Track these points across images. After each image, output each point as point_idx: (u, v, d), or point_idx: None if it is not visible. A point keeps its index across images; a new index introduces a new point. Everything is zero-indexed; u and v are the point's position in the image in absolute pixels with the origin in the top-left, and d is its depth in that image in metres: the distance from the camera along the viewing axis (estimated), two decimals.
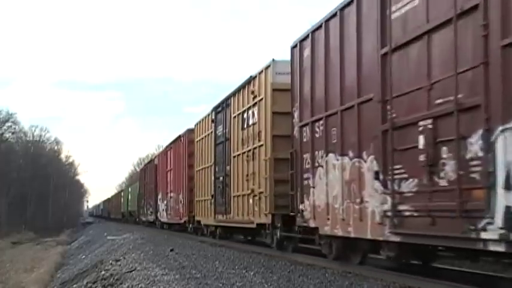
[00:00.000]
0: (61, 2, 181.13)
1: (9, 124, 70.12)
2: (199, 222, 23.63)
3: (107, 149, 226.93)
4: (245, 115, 16.63)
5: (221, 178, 19.17)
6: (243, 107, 16.88)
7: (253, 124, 15.85)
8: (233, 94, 17.97)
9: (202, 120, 22.74)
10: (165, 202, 32.45)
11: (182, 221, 27.19)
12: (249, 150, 16.13)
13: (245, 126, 16.60)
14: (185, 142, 26.52)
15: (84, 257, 26.60)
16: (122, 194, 67.93)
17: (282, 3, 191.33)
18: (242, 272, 11.15)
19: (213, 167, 20.54)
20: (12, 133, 72.13)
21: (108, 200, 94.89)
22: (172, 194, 30.01)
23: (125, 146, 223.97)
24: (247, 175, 16.22)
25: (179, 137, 28.18)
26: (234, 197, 17.64)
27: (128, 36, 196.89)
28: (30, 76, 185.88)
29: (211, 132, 20.92)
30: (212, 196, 20.46)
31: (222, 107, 19.36)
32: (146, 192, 42.37)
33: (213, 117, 20.57)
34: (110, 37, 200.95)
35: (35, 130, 79.94)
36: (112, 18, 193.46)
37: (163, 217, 33.60)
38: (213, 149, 20.62)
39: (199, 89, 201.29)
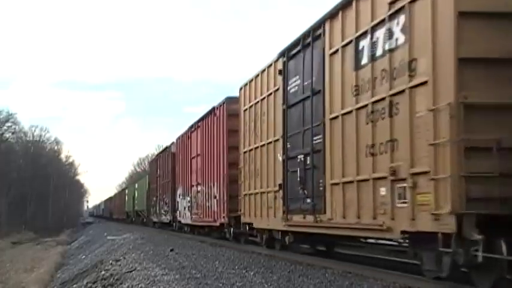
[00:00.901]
0: (61, 2, 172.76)
1: (9, 124, 64.72)
2: (249, 225, 15.11)
3: (107, 149, 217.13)
4: (362, 43, 8.47)
5: (301, 157, 11.03)
6: (357, 30, 8.67)
7: (391, 51, 7.70)
8: (331, 15, 9.54)
9: (258, 76, 13.88)
10: (189, 199, 22.92)
11: (217, 224, 18.22)
12: (379, 101, 8.04)
13: (364, 62, 8.47)
14: (223, 116, 17.63)
15: (84, 257, 24.54)
16: (127, 191, 56.27)
17: (282, 3, 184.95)
18: (242, 272, 10.24)
19: (280, 142, 12.15)
20: (12, 133, 66.75)
21: (110, 198, 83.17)
22: (200, 188, 20.72)
23: (125, 146, 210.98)
24: (373, 145, 8.13)
25: (212, 110, 18.90)
26: (333, 185, 9.54)
27: (128, 36, 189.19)
28: (31, 76, 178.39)
29: (277, 90, 12.41)
30: (280, 187, 12.16)
31: (303, 45, 10.88)
32: (159, 188, 32.19)
33: (282, 67, 11.99)
34: (110, 37, 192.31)
35: (35, 130, 74.39)
36: (112, 18, 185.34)
37: (186, 218, 23.83)
38: (280, 115, 12.17)
39: (199, 89, 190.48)
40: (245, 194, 14.88)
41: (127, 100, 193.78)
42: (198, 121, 21.19)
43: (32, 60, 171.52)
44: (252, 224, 14.55)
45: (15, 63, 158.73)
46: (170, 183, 27.83)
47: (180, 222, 25.70)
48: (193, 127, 22.18)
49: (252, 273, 10.09)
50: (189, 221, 23.32)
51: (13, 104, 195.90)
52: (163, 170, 30.89)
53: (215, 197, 18.26)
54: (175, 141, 26.79)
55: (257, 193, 13.91)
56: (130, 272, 12.13)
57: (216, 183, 18.35)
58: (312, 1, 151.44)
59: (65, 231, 61.80)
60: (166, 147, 30.39)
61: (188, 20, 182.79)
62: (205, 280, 9.58)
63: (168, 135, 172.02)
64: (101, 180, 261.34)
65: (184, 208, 23.99)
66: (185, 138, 24.01)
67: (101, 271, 14.46)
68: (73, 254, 30.31)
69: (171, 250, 15.58)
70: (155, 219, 34.21)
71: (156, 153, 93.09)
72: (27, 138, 71.79)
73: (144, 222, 40.89)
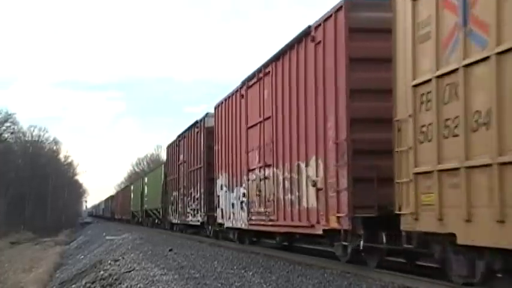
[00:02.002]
0: (61, 2, 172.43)
1: (8, 124, 64.05)
2: (428, 238, 7.67)
3: (106, 149, 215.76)
4: None
5: None
6: None
7: None
8: None
9: None
10: (243, 191, 15.07)
11: (319, 231, 10.56)
12: None
13: None
14: (336, 34, 9.77)
15: (82, 257, 24.24)
16: (132, 187, 48.45)
17: (282, 3, 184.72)
18: (241, 272, 10.19)
19: None
20: (11, 133, 66.07)
21: (112, 197, 76.97)
22: (269, 172, 12.95)
23: (125, 146, 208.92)
24: None
25: (306, 32, 10.97)
26: None
27: (128, 36, 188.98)
28: (31, 76, 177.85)
29: None
30: None
31: None
32: (182, 179, 23.94)
33: None
34: (111, 37, 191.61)
35: (33, 130, 73.74)
36: (113, 18, 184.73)
37: (236, 219, 15.84)
38: None
39: (199, 89, 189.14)
40: (420, 173, 7.56)
41: (127, 100, 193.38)
42: (266, 64, 13.14)
43: (32, 60, 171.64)
44: (454, 235, 6.89)
45: (16, 64, 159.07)
46: (203, 170, 20.08)
47: (220, 225, 17.84)
48: (255, 77, 14.03)
49: (250, 273, 10.00)
50: (241, 225, 15.36)
51: (13, 104, 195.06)
52: (190, 154, 22.38)
53: (314, 185, 10.45)
54: (213, 110, 18.46)
55: (485, 166, 6.37)
56: (129, 272, 12.03)
57: (314, 160, 10.53)
58: (312, 1, 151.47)
59: (64, 231, 61.21)
60: (196, 122, 21.41)
61: (188, 20, 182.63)
62: (204, 280, 9.48)
63: (168, 135, 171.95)
64: (99, 181, 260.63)
65: (233, 205, 16.12)
66: (234, 101, 15.96)
67: (99, 271, 14.37)
68: (72, 254, 30.24)
69: (170, 250, 15.34)
70: (175, 221, 26.34)
71: (155, 153, 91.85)
72: (26, 138, 71.35)
73: (157, 224, 33.98)
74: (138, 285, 10.08)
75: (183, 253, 14.49)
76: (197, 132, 21.24)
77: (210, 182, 19.01)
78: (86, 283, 13.75)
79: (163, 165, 31.39)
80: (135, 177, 68.77)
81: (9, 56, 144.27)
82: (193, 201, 21.66)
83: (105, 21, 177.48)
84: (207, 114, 19.92)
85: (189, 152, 22.77)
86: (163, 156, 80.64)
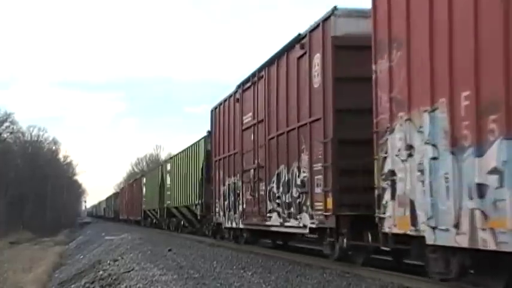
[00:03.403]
0: (61, 2, 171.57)
1: (7, 124, 64.06)
2: None
3: (106, 149, 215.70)
4: None
5: None
6: None
7: None
8: None
9: None
10: None
11: None
12: None
13: None
14: None
15: (82, 257, 24.09)
16: (145, 180, 39.71)
17: (282, 3, 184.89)
18: (240, 272, 10.16)
19: None
20: (10, 133, 66.03)
21: (115, 194, 68.52)
22: None
23: (125, 146, 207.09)
24: None
25: None
26: None
27: (128, 36, 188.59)
28: (31, 76, 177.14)
29: None
30: None
31: None
32: (253, 154, 13.70)
33: None
34: (111, 37, 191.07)
35: (33, 130, 73.54)
36: (113, 18, 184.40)
37: None
38: None
39: (199, 89, 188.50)
40: None
41: (127, 100, 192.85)
42: None
43: (32, 60, 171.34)
44: None
45: (16, 64, 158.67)
46: (325, 126, 9.95)
47: (385, 236, 8.19)
48: None
49: (250, 273, 9.98)
50: None
51: (13, 104, 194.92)
52: (278, 104, 12.36)
53: None
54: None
55: None
56: (128, 272, 12.02)
57: None
58: (312, 1, 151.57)
59: (63, 231, 61.25)
60: (299, 38, 11.11)
61: (189, 20, 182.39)
62: (203, 280, 9.46)
63: (168, 135, 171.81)
64: (99, 181, 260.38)
65: (479, 190, 6.12)
66: None
67: (98, 271, 14.40)
68: (71, 254, 30.09)
69: (169, 250, 15.38)
70: (230, 224, 16.21)
71: (155, 153, 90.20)
72: (25, 138, 71.14)
73: (183, 227, 25.89)
74: (137, 285, 10.06)
75: (183, 253, 14.48)
76: (300, 58, 11.26)
77: (345, 147, 9.63)
78: (85, 283, 13.75)
79: (203, 140, 21.36)
80: (134, 177, 66.59)
81: (9, 56, 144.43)
82: (287, 191, 11.73)
83: (105, 21, 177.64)
84: (334, 11, 9.87)
85: (273, 100, 12.72)
86: (163, 156, 79.94)
